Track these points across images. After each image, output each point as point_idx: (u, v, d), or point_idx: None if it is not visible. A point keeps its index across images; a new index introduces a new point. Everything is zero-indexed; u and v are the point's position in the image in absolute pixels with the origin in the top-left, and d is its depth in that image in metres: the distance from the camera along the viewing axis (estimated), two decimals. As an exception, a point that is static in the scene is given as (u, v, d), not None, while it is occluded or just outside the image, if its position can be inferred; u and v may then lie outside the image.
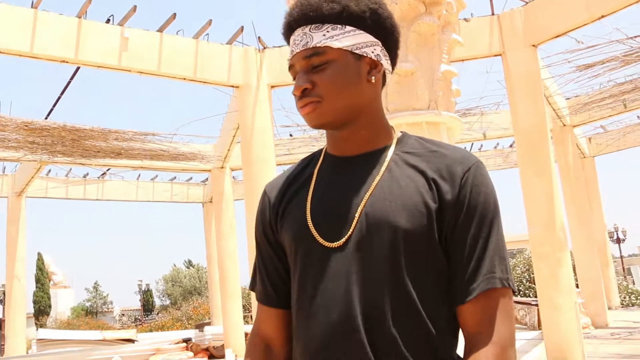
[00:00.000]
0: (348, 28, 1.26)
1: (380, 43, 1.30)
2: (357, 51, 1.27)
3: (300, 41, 1.28)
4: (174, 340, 15.33)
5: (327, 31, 1.25)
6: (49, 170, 17.20)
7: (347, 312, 1.17)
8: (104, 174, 17.85)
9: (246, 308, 18.16)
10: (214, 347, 15.13)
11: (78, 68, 10.03)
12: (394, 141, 1.32)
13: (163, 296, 44.22)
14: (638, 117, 16.82)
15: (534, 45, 9.52)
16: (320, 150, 1.40)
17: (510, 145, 18.19)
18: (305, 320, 1.24)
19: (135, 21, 9.33)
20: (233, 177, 17.19)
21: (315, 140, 14.84)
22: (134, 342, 15.22)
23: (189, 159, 14.46)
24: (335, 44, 1.25)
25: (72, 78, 10.78)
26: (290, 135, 15.59)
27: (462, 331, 1.23)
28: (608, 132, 17.90)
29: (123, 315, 42.64)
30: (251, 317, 20.60)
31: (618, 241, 28.96)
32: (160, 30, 9.57)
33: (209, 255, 19.84)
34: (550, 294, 9.14)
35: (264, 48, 10.33)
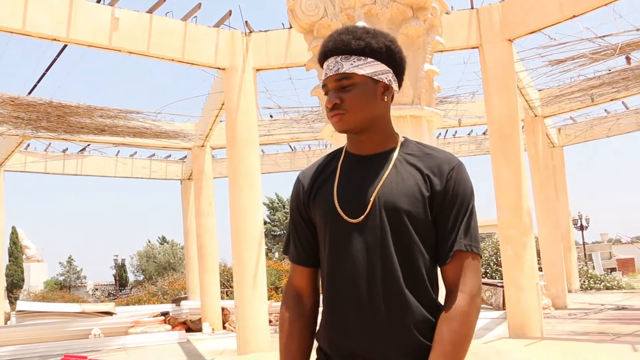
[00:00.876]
0: (369, 59, 1.66)
1: (391, 71, 1.72)
2: (375, 77, 1.68)
3: (333, 67, 1.67)
4: (152, 313, 15.63)
5: (354, 61, 1.65)
6: (28, 145, 17.18)
7: (365, 268, 1.60)
8: (83, 149, 17.91)
9: (222, 284, 18.48)
10: (191, 320, 15.48)
11: (65, 46, 10.19)
12: (399, 145, 1.74)
13: (137, 271, 44.40)
14: (605, 110, 17.52)
15: (509, 40, 10.01)
16: (342, 148, 1.82)
17: (484, 133, 18.78)
18: (333, 278, 1.66)
19: (126, 2, 9.52)
20: (212, 156, 17.43)
21: (295, 122, 15.19)
22: (112, 315, 15.48)
23: (171, 137, 14.71)
24: (360, 71, 1.65)
25: (58, 55, 10.92)
26: (271, 116, 15.92)
27: (444, 284, 1.68)
28: (577, 124, 18.59)
29: (96, 289, 42.67)
30: (227, 293, 20.98)
31: (581, 228, 30.01)
32: (150, 11, 9.78)
33: (186, 231, 20.02)
34: (514, 275, 9.74)
35: (251, 32, 10.61)
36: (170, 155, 20.37)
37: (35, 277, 38.11)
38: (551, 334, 9.71)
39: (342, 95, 1.67)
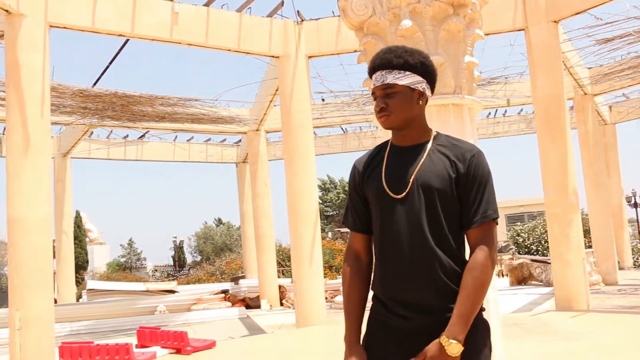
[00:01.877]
0: (407, 73, 2.15)
1: (425, 81, 2.20)
2: (412, 86, 2.14)
3: (380, 79, 2.16)
4: (213, 291, 16.41)
5: (396, 74, 2.14)
6: (92, 133, 18.12)
7: (406, 236, 2.08)
8: (143, 135, 18.78)
9: (278, 263, 19.15)
10: (249, 298, 16.22)
11: (127, 40, 10.87)
12: (432, 138, 2.20)
13: (195, 252, 45.94)
14: (659, 86, 17.30)
15: (555, 21, 10.19)
16: (387, 142, 2.31)
17: (533, 112, 18.80)
18: (383, 242, 2.15)
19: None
20: (267, 139, 18.02)
21: (347, 105, 15.66)
22: (174, 293, 16.32)
23: (227, 122, 15.37)
24: (400, 82, 2.13)
25: (121, 49, 11.64)
26: (323, 100, 16.41)
27: (468, 245, 2.15)
28: (629, 100, 18.41)
29: (156, 270, 44.34)
30: (283, 272, 21.71)
31: (635, 206, 29.49)
32: (207, 4, 10.38)
33: (242, 212, 20.77)
34: (560, 251, 10.03)
35: (302, 20, 11.09)
36: (225, 140, 21.09)
37: (98, 259, 39.84)
38: (598, 308, 9.97)
39: (387, 100, 2.16)
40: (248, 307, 15.65)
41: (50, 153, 8.76)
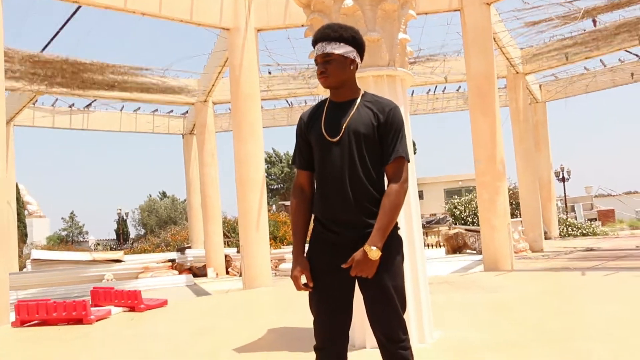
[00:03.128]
0: (341, 44, 2.72)
1: (355, 51, 2.78)
2: (345, 55, 2.74)
3: (320, 49, 2.73)
4: (160, 260, 16.70)
5: (333, 45, 2.71)
6: (36, 100, 17.90)
7: (340, 170, 2.66)
8: (89, 104, 18.68)
9: (224, 234, 19.58)
10: (196, 267, 16.61)
11: (79, 7, 11.01)
12: (360, 95, 2.81)
13: (138, 225, 45.78)
14: (585, 68, 18.50)
15: (487, 4, 10.94)
16: (326, 99, 2.88)
17: (470, 89, 19.73)
18: (322, 175, 2.72)
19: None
20: (214, 111, 18.28)
21: (293, 78, 16.14)
22: (120, 262, 16.45)
23: (177, 92, 15.63)
24: (336, 52, 2.71)
25: (72, 15, 11.75)
26: (269, 72, 16.84)
27: (386, 177, 2.76)
28: (557, 80, 19.57)
29: (98, 244, 43.99)
30: (228, 243, 22.16)
31: (563, 180, 31.34)
32: (161, -25, 10.61)
33: (188, 183, 20.99)
34: (488, 216, 10.92)
35: (252, -5, 11.48)
36: (172, 111, 21.11)
37: (38, 232, 39.13)
38: (522, 270, 10.92)
39: (326, 66, 2.74)
40: (195, 275, 16.02)
41: (3, 118, 8.92)
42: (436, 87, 19.86)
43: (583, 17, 11.11)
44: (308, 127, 2.84)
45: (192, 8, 10.81)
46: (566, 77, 19.16)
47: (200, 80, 16.73)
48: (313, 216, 2.84)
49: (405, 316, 2.68)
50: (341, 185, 2.66)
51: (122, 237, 40.09)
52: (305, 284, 2.70)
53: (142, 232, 43.57)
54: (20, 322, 7.52)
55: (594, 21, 12.10)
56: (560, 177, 31.32)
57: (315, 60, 2.81)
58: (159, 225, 38.74)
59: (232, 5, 11.27)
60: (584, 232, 21.27)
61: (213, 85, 15.79)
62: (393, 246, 2.65)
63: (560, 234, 20.66)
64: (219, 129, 20.06)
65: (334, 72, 2.74)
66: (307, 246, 2.81)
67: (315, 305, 2.73)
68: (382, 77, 4.94)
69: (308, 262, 2.72)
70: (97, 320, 7.59)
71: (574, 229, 21.35)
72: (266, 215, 11.41)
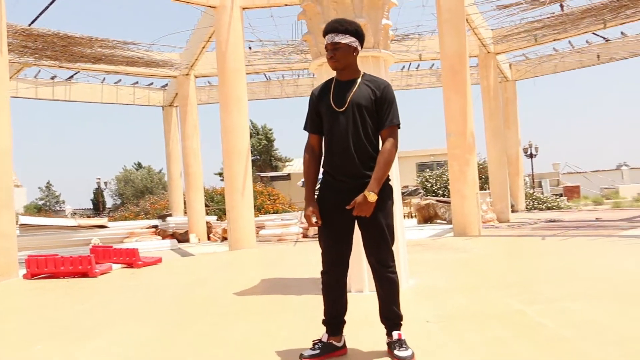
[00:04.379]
0: (347, 35, 3.43)
1: (357, 41, 3.48)
2: (349, 44, 3.45)
3: (330, 39, 3.43)
4: (144, 226, 17.32)
5: (340, 36, 3.41)
6: (18, 71, 18.17)
7: (345, 133, 3.37)
8: (71, 77, 19.01)
9: (205, 205, 20.18)
10: (178, 233, 17.28)
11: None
12: (360, 76, 3.52)
13: (115, 195, 46.07)
14: (554, 49, 19.42)
15: (461, -13, 11.65)
16: (333, 78, 3.59)
17: (444, 67, 20.53)
18: (331, 137, 3.43)
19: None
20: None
21: (273, 54, 16.73)
22: (105, 228, 17.04)
23: (160, 65, 16.11)
24: (343, 41, 3.42)
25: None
26: (250, 48, 17.37)
27: (381, 140, 3.49)
28: (527, 60, 20.46)
29: (75, 214, 44.22)
30: (207, 211, 22.79)
31: (531, 156, 32.61)
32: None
33: (168, 154, 21.55)
34: (459, 187, 11.78)
35: (239, -26, 12.02)
36: (152, 83, 21.53)
37: (15, 201, 39.15)
38: (489, 235, 11.84)
39: (334, 52, 3.45)
40: (178, 241, 16.68)
41: (6, 90, 9.39)
42: (410, 64, 20.61)
43: (551, 1, 11.92)
44: (319, 100, 3.56)
45: (182, -15, 11.32)
46: (535, 57, 20.05)
47: (183, 54, 17.21)
48: (322, 169, 3.58)
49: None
50: (346, 145, 3.39)
51: (100, 207, 40.37)
52: (315, 222, 3.44)
53: (119, 201, 43.89)
54: (31, 275, 8.18)
55: (562, 6, 12.94)
56: (529, 153, 32.54)
57: (325, 47, 3.52)
58: (135, 195, 39.13)
59: (220, -17, 11.81)
60: (549, 206, 22.40)
61: (196, 59, 16.29)
62: (386, 193, 3.41)
63: (526, 207, 21.73)
64: (198, 102, 20.55)
65: (341, 58, 3.46)
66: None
67: (324, 238, 3.48)
68: (368, 57, 5.66)
69: (317, 204, 3.46)
70: (101, 274, 8.28)
71: (540, 202, 22.46)
72: (251, 183, 12.11)
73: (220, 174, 47.83)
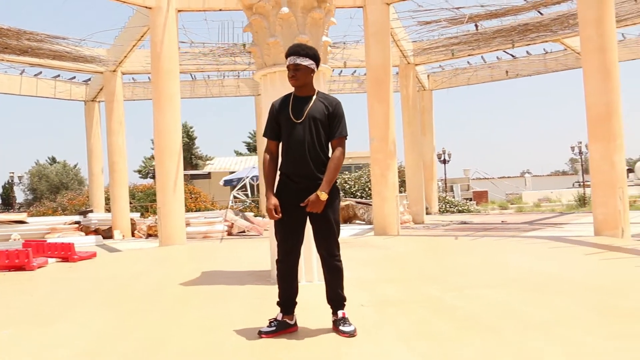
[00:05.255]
0: (307, 58, 4.01)
1: (314, 63, 4.08)
2: (308, 66, 4.03)
3: (292, 60, 4.00)
4: (67, 222, 17.17)
5: (301, 59, 3.98)
6: None
7: (302, 141, 3.95)
8: (-12, 67, 18.49)
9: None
10: (102, 229, 17.24)
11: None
12: (316, 93, 4.11)
13: (28, 190, 44.35)
14: (468, 62, 20.76)
15: (387, 4, 12.50)
16: (291, 93, 4.17)
17: (365, 75, 21.50)
18: (289, 144, 3.99)
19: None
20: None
21: (203, 55, 17.07)
22: (24, 224, 16.72)
23: (89, 61, 16.07)
24: (303, 63, 3.99)
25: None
26: (179, 48, 17.58)
27: (331, 148, 4.11)
28: (444, 71, 21.75)
29: (-19, 209, 42.35)
30: (133, 207, 22.72)
31: (444, 162, 34.41)
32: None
33: (89, 150, 21.35)
34: (380, 189, 12.61)
35: (175, -23, 12.34)
36: (75, 77, 21.21)
37: None
38: (406, 235, 12.74)
39: (295, 72, 4.03)
40: (102, 237, 16.67)
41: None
42: (333, 70, 21.39)
43: (467, 22, 13.01)
44: (278, 112, 4.13)
45: (119, -15, 11.54)
46: (451, 69, 21.37)
47: (111, 50, 17.20)
48: (279, 171, 4.16)
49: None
50: (303, 151, 3.97)
51: (13, 202, 38.82)
52: (276, 215, 4.01)
53: (31, 197, 42.36)
54: (-35, 269, 8.24)
55: (476, 26, 14.07)
56: (442, 159, 34.26)
57: (287, 67, 4.10)
58: (50, 191, 37.97)
59: (157, -15, 12.10)
60: (460, 209, 23.81)
61: (125, 57, 16.37)
62: (334, 193, 4.03)
63: (439, 210, 23.02)
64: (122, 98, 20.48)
65: (301, 77, 4.04)
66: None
67: (280, 230, 4.05)
68: (310, 71, 6.27)
69: (277, 199, 4.03)
70: (38, 268, 8.45)
71: (452, 206, 23.85)
72: (182, 180, 12.45)
73: (140, 171, 47.13)
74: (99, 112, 21.75)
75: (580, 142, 34.51)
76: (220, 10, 12.64)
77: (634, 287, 5.40)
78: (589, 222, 10.97)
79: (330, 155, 4.07)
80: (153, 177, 41.93)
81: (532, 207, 27.82)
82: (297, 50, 4.07)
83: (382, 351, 3.56)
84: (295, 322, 4.14)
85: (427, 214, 19.87)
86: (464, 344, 3.63)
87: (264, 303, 4.94)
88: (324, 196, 3.88)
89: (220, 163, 45.71)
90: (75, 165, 43.72)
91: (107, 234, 17.04)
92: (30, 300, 6.07)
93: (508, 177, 51.94)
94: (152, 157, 49.61)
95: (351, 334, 3.89)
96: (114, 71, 17.50)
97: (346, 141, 4.15)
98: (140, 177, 45.23)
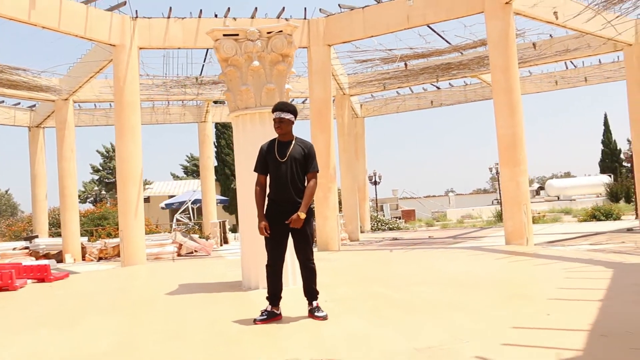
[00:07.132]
0: (289, 113, 5.38)
1: (294, 116, 5.46)
2: (290, 119, 5.41)
3: (278, 114, 5.37)
4: (16, 247, 17.60)
5: (284, 114, 5.35)
6: None
7: (285, 176, 5.29)
8: None
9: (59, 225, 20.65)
10: (51, 253, 17.73)
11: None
12: (294, 138, 5.49)
13: (-42, 217, 43.30)
14: (397, 92, 22.69)
15: (329, 45, 14.09)
16: (275, 139, 5.53)
17: (303, 102, 23.06)
18: (275, 178, 5.33)
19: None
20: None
21: (156, 86, 18.16)
22: (-32, 250, 17.01)
23: (44, 90, 16.83)
24: (286, 117, 5.36)
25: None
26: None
27: (307, 179, 5.48)
28: (375, 100, 23.61)
29: None
30: (86, 231, 23.10)
31: (375, 183, 36.42)
32: (59, -6, 12.14)
33: (34, 176, 21.86)
34: (323, 210, 14.07)
35: (137, 17, 13.47)
36: (19, 103, 21.58)
37: None
38: (345, 251, 14.22)
39: (280, 124, 5.41)
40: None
41: None
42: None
43: (398, 61, 14.82)
44: (267, 153, 5.48)
45: (86, 26, 12.54)
46: (382, 99, 23.26)
47: (63, 79, 17.96)
48: (267, 197, 5.51)
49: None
50: (286, 183, 5.33)
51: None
52: (266, 232, 5.34)
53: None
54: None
55: (405, 64, 15.94)
56: (373, 181, 36.22)
57: (274, 119, 5.47)
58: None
59: (120, 25, 13.20)
60: (391, 227, 25.60)
61: (80, 87, 17.23)
62: (310, 213, 5.43)
63: (372, 228, 24.71)
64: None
65: (284, 127, 5.42)
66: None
67: (269, 242, 5.40)
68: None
69: (267, 220, 5.39)
70: (20, 288, 9.30)
71: (383, 224, 25.61)
72: (142, 205, 13.47)
73: (80, 196, 46.64)
74: (44, 138, 22.25)
75: (497, 164, 37.15)
76: (179, 48, 13.84)
77: (530, 281, 7.11)
78: (502, 235, 12.77)
79: (306, 184, 5.46)
80: (94, 202, 41.88)
81: (455, 223, 29.95)
82: (281, 107, 5.46)
83: (350, 326, 4.97)
84: (281, 312, 5.49)
85: (361, 232, 21.47)
86: (407, 321, 5.09)
87: (245, 303, 6.28)
88: (302, 215, 5.25)
89: (158, 187, 46.10)
90: (7, 191, 43.23)
91: (57, 258, 17.58)
92: (40, 310, 7.10)
93: (433, 196, 54.84)
94: (92, 181, 49.38)
95: (324, 318, 5.27)
96: (66, 99, 18.24)
97: (318, 174, 5.58)
98: (80, 202, 44.86)
